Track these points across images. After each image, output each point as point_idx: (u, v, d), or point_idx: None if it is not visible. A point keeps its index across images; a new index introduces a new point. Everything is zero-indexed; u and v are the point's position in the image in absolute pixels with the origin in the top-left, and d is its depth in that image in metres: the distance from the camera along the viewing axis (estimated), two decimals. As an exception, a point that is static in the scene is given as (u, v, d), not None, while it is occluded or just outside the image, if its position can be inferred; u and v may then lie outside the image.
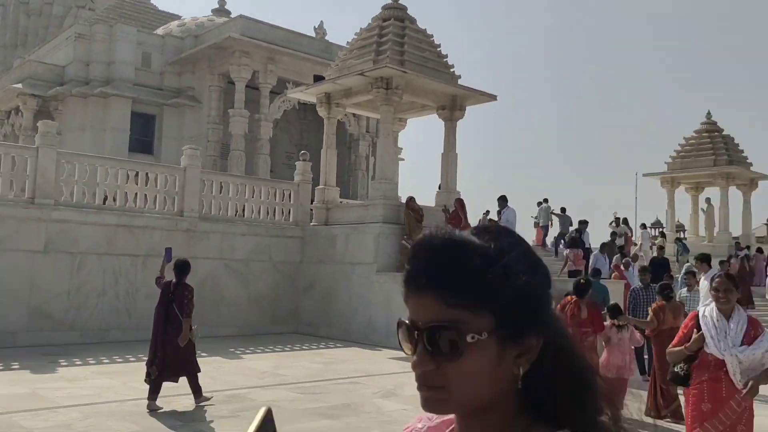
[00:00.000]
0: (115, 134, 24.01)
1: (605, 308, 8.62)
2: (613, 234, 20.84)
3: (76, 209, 13.75)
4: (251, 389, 9.30)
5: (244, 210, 16.68)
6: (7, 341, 12.38)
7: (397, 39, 16.04)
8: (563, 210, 21.09)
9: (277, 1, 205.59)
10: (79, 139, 23.57)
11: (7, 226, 12.84)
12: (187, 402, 8.09)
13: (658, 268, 14.63)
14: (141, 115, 24.73)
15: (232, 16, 27.76)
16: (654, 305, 8.84)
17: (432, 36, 17.06)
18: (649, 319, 8.73)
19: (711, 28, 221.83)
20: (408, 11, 17.04)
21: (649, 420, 7.91)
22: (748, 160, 29.53)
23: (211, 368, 10.14)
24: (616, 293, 12.69)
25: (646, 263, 15.88)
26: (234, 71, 23.72)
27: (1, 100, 26.91)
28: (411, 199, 15.48)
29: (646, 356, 10.85)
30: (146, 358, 8.13)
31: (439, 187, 17.77)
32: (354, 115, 25.03)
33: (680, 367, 4.37)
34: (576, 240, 16.72)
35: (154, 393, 7.85)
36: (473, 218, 17.79)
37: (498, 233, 0.97)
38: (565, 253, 16.87)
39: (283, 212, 17.36)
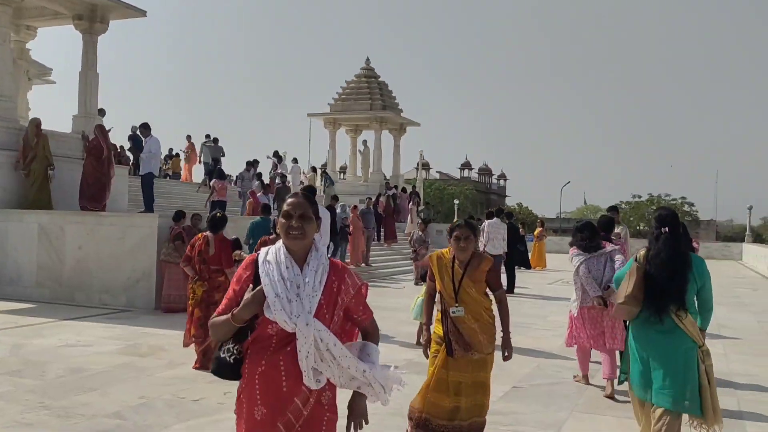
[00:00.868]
0: None
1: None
2: (273, 171, 21.11)
3: None
4: None
5: None
6: None
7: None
8: (215, 140, 20.24)
9: None
10: None
11: None
12: None
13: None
14: None
15: None
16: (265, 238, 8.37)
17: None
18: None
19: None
20: None
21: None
22: (399, 107, 32.12)
23: None
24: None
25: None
26: None
27: None
28: (36, 123, 12.99)
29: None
30: None
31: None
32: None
33: (228, 349, 2.55)
34: (222, 172, 16.79)
35: None
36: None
37: None
38: (211, 184, 16.39)
39: None
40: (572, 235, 6.78)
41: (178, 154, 25.25)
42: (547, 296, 14.64)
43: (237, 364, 2.54)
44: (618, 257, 6.34)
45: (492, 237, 14.96)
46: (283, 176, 21.37)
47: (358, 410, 2.62)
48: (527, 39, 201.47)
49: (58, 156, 13.51)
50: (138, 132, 14.70)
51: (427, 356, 4.67)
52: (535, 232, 23.71)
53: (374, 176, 30.60)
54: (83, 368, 6.75)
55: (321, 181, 25.63)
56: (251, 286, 2.50)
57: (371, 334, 2.69)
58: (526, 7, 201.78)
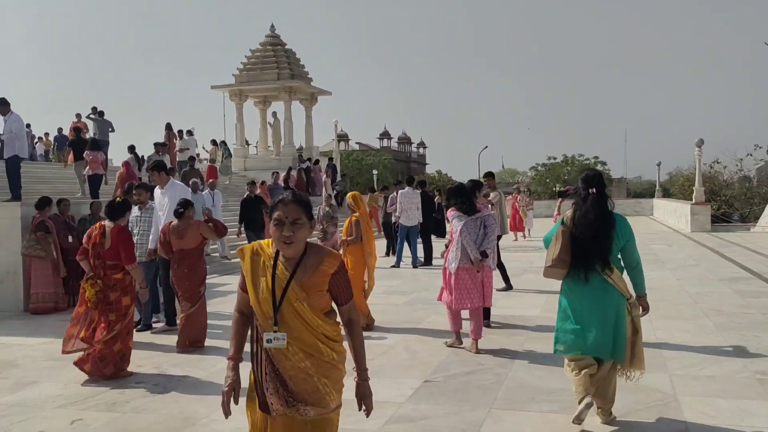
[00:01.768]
0: None
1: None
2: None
3: None
4: None
5: None
6: None
7: None
8: (101, 113, 18.44)
9: None
10: None
11: None
12: None
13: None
14: None
15: None
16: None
17: None
18: None
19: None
20: None
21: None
22: (309, 75, 30.73)
23: None
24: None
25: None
26: None
27: None
28: None
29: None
30: None
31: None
32: None
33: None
34: (95, 141, 15.39)
35: None
36: None
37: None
38: (83, 155, 14.92)
39: None
40: (447, 198, 7.12)
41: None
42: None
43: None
44: (491, 223, 6.72)
45: (405, 207, 14.18)
46: (192, 158, 19.72)
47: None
48: (441, 3, 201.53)
49: None
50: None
51: (226, 414, 2.77)
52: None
53: (286, 149, 29.26)
54: None
55: (221, 153, 24.25)
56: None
57: None
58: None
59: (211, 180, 15.95)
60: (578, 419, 4.31)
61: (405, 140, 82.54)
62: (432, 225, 15.81)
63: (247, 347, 2.89)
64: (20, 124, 10.88)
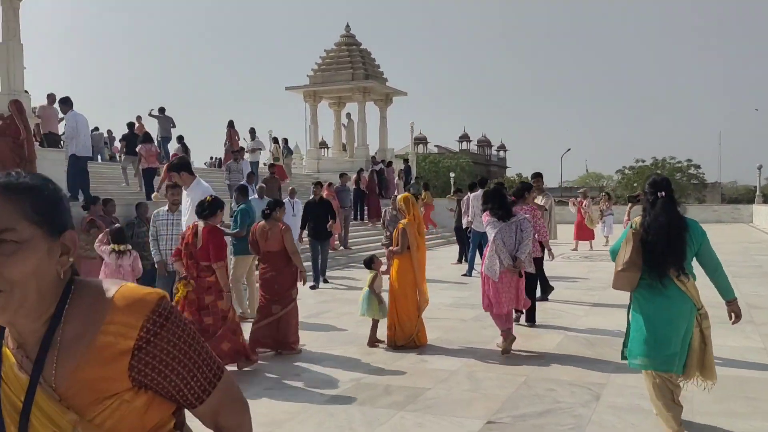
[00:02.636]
0: None
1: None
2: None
3: None
4: None
5: None
6: None
7: None
8: (161, 110, 18.38)
9: None
10: None
11: None
12: None
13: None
14: None
15: None
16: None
17: None
18: None
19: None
20: None
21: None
22: (384, 76, 30.06)
23: None
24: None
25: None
26: None
27: None
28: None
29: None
30: None
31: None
32: None
33: None
34: (148, 135, 15.39)
35: None
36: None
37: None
38: (137, 150, 14.79)
39: None
40: (483, 203, 7.00)
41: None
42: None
43: None
44: (527, 227, 6.57)
45: (478, 212, 13.15)
46: (272, 165, 18.71)
47: None
48: (522, 2, 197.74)
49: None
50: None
51: None
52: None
53: (360, 151, 28.68)
54: None
55: (282, 152, 23.58)
56: None
57: None
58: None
59: (291, 188, 14.15)
60: None
61: (485, 143, 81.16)
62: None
63: None
64: (73, 122, 10.65)
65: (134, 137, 15.39)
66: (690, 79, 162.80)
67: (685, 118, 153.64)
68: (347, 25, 30.00)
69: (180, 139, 16.18)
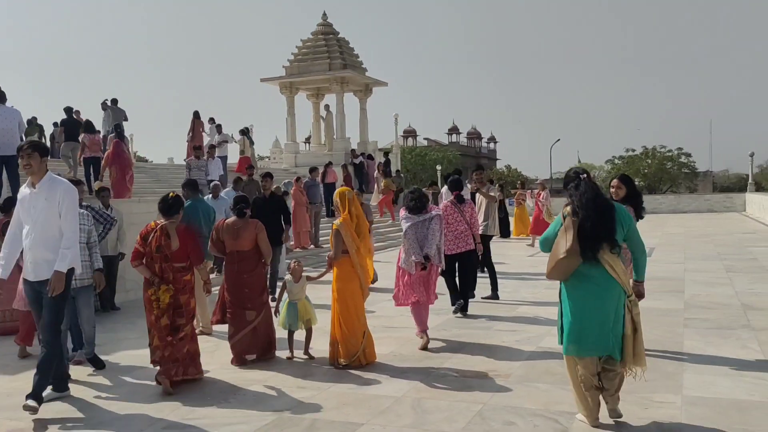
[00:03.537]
0: None
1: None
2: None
3: None
4: None
5: None
6: None
7: None
8: (114, 101, 17.59)
9: None
10: None
11: None
12: None
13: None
14: None
15: None
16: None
17: None
18: None
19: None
20: None
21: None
22: (363, 66, 28.98)
23: None
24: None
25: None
26: None
27: None
28: None
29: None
30: None
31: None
32: None
33: None
34: (91, 124, 14.51)
35: None
36: None
37: None
38: (80, 139, 14.25)
39: None
40: (403, 197, 7.20)
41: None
42: (525, 274, 11.91)
43: None
44: (435, 225, 6.70)
45: (450, 205, 12.19)
46: (251, 167, 16.88)
47: None
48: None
49: None
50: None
51: None
52: (515, 196, 20.86)
53: (339, 144, 27.62)
54: None
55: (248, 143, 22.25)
56: None
57: None
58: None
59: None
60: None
61: (474, 135, 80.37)
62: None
63: None
64: (10, 117, 9.83)
65: (74, 123, 14.72)
66: (680, 67, 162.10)
67: (676, 107, 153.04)
68: (324, 14, 28.95)
69: (117, 127, 15.38)
